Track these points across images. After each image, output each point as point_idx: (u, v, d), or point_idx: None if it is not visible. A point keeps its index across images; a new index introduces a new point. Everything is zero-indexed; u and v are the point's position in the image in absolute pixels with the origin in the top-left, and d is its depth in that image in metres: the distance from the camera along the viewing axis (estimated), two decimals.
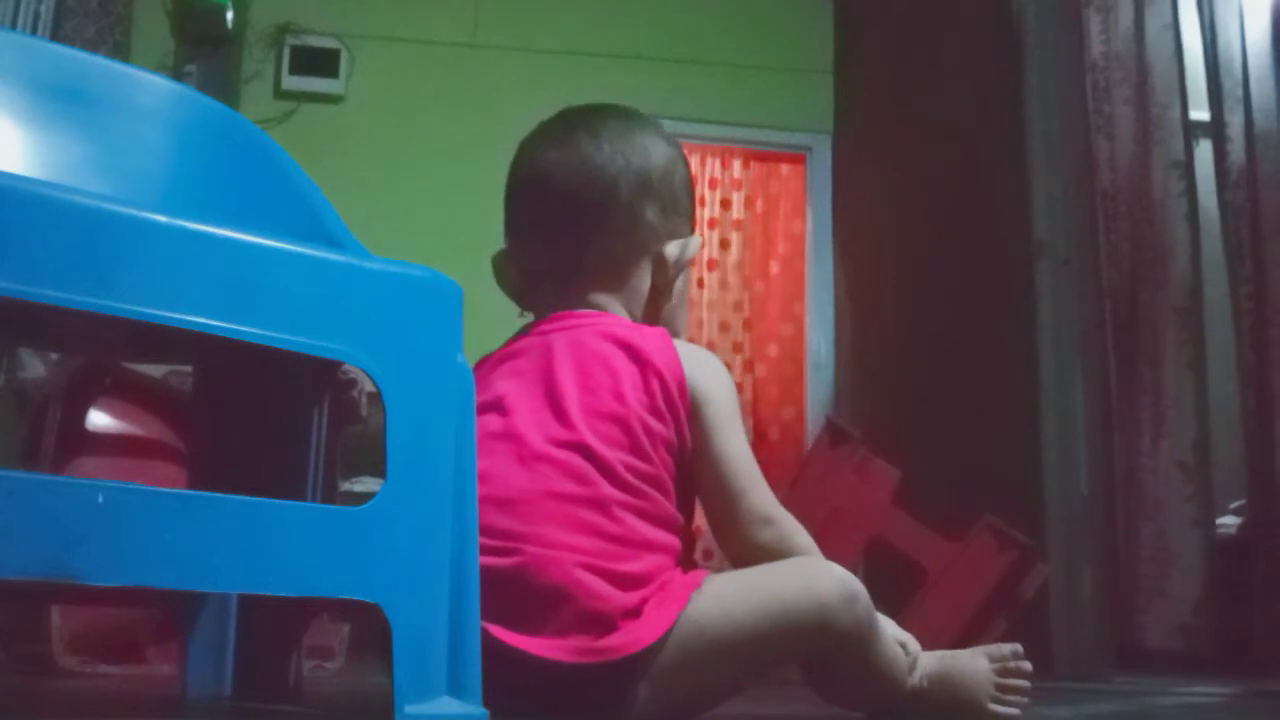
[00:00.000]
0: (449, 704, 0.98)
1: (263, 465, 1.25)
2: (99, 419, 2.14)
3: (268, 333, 0.95)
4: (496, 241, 1.38)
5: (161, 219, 0.93)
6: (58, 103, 1.24)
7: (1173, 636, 2.75)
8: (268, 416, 1.27)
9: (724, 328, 5.15)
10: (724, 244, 5.22)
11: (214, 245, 0.95)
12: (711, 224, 5.22)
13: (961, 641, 2.26)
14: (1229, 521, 3.03)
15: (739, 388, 5.06)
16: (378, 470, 0.99)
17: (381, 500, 0.97)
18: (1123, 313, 3.05)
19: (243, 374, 1.26)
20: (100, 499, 0.85)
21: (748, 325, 5.18)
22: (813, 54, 4.75)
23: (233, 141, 1.31)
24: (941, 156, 3.77)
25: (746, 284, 5.22)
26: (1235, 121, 3.02)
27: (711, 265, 5.21)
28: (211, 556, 0.89)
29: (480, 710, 0.99)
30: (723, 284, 5.19)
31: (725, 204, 5.24)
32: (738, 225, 5.24)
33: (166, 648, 1.87)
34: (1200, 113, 3.10)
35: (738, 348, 5.13)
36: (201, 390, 1.43)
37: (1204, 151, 3.12)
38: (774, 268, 5.30)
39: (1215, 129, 3.04)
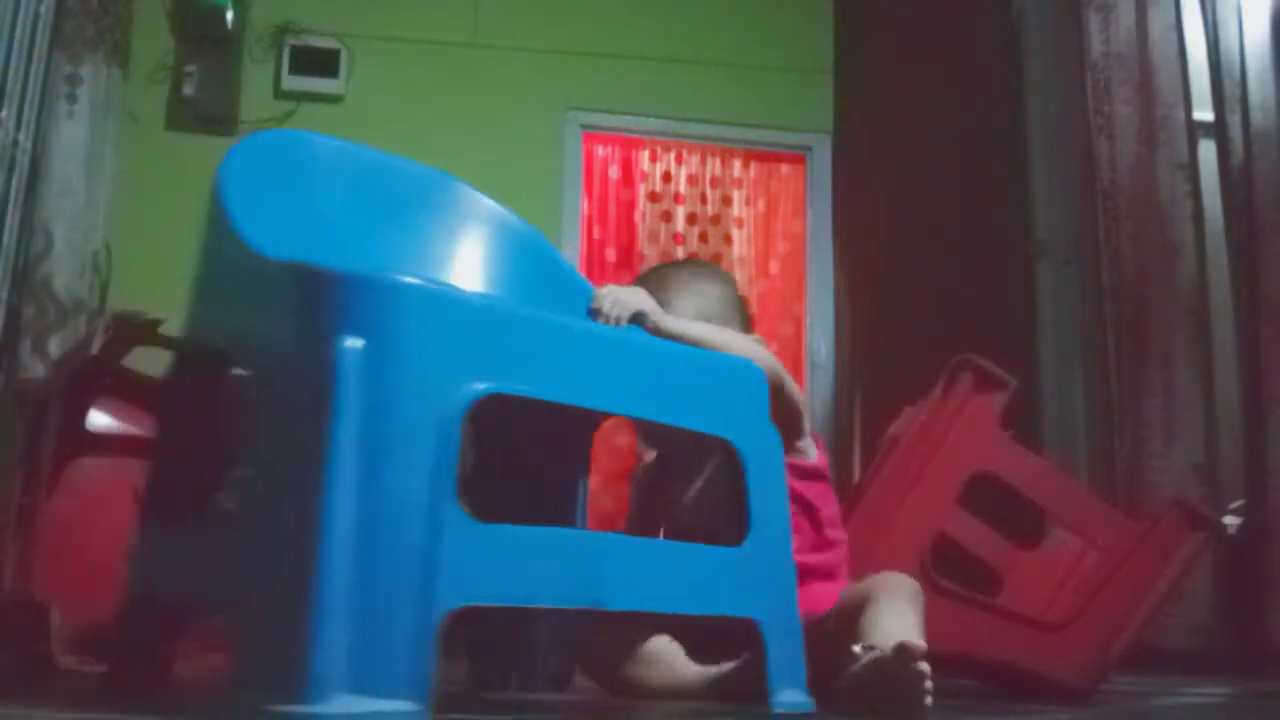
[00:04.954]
0: (797, 695, 1.32)
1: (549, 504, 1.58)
2: (99, 419, 2.14)
3: (677, 416, 1.30)
4: None
5: (606, 332, 1.41)
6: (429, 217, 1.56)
7: (1189, 638, 2.74)
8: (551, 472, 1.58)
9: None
10: (727, 240, 5.23)
11: (636, 349, 1.35)
12: (715, 220, 5.22)
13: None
14: (1229, 521, 3.03)
15: None
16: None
17: (751, 542, 1.29)
18: (1127, 314, 3.04)
19: (536, 438, 1.53)
20: (610, 547, 1.21)
21: (750, 321, 5.18)
22: (813, 54, 4.75)
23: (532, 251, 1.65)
24: (941, 157, 3.77)
25: (750, 281, 5.22)
26: (1234, 121, 3.02)
27: (715, 262, 5.21)
28: (675, 587, 1.24)
29: (809, 701, 1.31)
30: None
31: (726, 201, 5.24)
32: (739, 224, 5.25)
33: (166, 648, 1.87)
34: (1202, 113, 3.10)
35: None
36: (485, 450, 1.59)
37: (1206, 151, 3.12)
38: (774, 266, 5.30)
39: (1219, 129, 3.03)
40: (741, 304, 1.88)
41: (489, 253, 1.57)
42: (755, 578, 1.28)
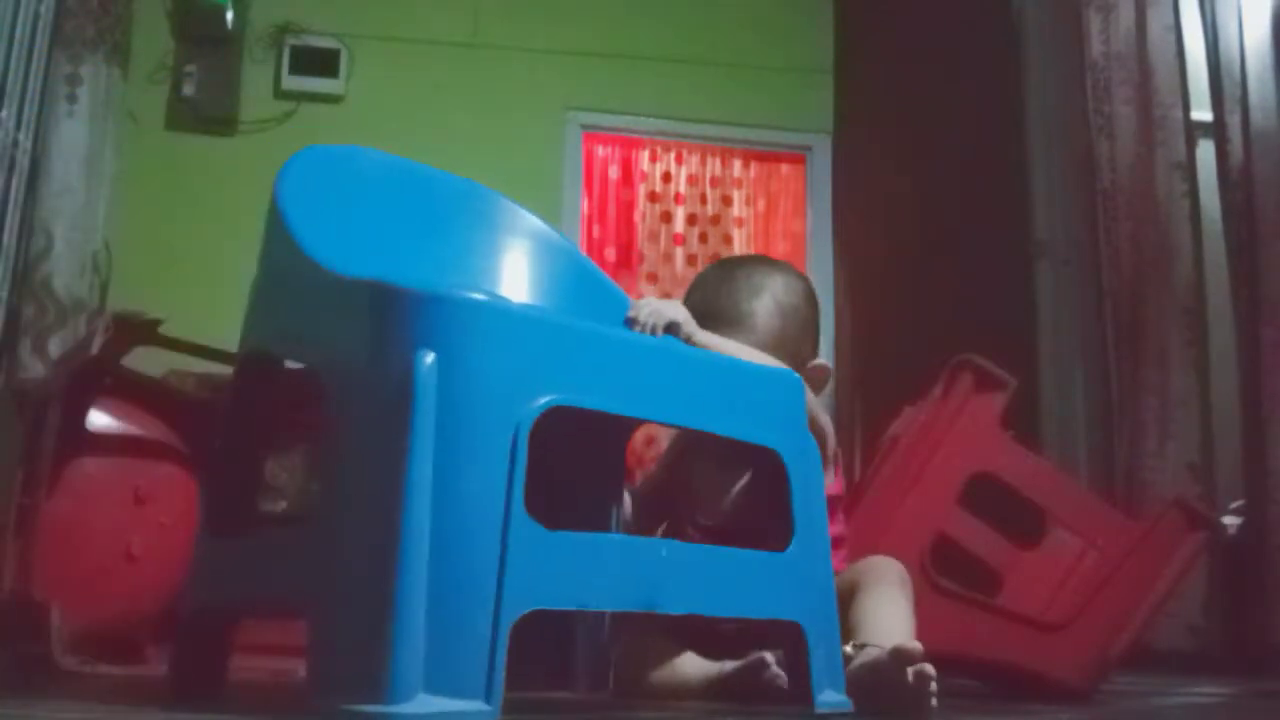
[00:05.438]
0: (837, 695, 1.32)
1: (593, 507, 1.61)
2: (99, 419, 2.14)
3: (727, 426, 1.32)
4: None
5: (665, 345, 1.43)
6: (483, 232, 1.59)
7: (1183, 637, 2.74)
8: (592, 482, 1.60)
9: None
10: (727, 240, 5.23)
11: (688, 361, 1.37)
12: (715, 220, 5.23)
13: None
14: (1228, 521, 3.03)
15: None
16: None
17: (795, 547, 1.32)
18: (1125, 313, 3.04)
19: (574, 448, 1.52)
20: (664, 553, 1.25)
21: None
22: (813, 54, 4.75)
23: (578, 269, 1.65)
24: (941, 156, 3.77)
25: None
26: (1234, 122, 3.02)
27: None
28: (726, 591, 1.28)
29: (848, 700, 1.32)
30: None
31: (726, 201, 5.24)
32: (739, 223, 5.25)
33: (166, 648, 1.87)
34: (1200, 113, 3.10)
35: None
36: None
37: (1204, 152, 3.12)
38: None
39: (1217, 130, 3.03)
40: (814, 318, 1.84)
41: (532, 264, 1.61)
42: (799, 582, 1.33)
